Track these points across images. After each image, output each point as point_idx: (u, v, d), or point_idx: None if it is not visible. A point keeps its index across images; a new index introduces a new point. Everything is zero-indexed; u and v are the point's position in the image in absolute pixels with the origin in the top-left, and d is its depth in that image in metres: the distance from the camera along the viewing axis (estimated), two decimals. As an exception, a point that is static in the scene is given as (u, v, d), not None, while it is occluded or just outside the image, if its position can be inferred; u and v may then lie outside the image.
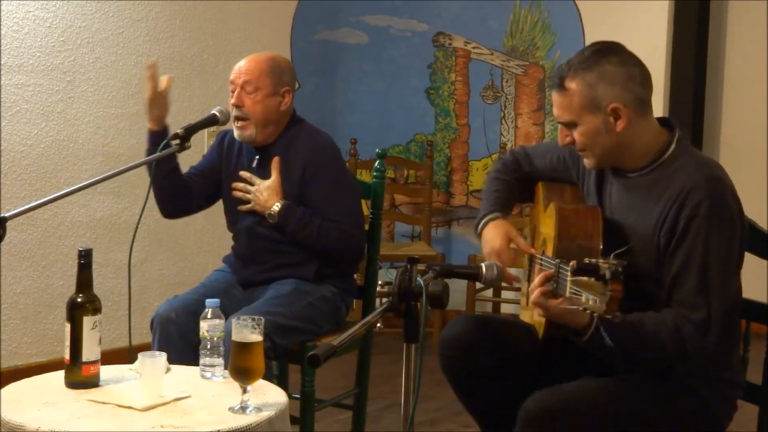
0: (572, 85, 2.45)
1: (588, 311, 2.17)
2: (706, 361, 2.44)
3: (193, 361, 2.83)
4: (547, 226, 2.62)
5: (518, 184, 2.87)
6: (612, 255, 2.17)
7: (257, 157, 3.38)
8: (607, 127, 2.45)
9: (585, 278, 2.16)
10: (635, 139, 2.47)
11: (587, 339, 2.36)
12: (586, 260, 2.17)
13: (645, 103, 2.47)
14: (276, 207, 3.26)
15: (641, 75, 2.46)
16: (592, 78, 2.43)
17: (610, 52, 2.46)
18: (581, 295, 2.17)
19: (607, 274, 2.12)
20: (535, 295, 2.36)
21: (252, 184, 3.32)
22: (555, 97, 2.50)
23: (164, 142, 3.16)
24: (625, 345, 2.38)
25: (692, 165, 2.45)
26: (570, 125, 2.49)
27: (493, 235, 2.74)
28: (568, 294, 2.23)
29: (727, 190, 2.43)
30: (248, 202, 3.33)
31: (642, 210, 2.48)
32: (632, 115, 2.44)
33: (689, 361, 2.41)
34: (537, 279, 2.38)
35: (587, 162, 2.56)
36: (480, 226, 2.80)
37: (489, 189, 2.88)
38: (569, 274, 2.21)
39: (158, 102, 3.34)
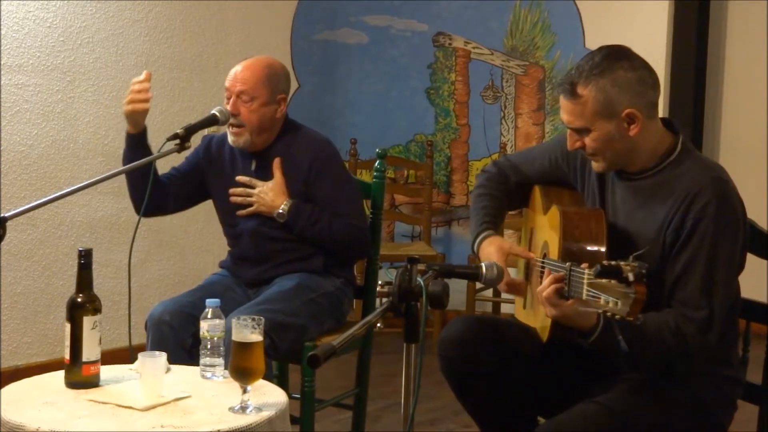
0: (585, 91, 2.43)
1: (609, 314, 2.16)
2: (707, 360, 2.44)
3: (186, 363, 2.83)
4: (549, 229, 2.61)
5: (506, 196, 2.87)
6: (631, 257, 2.16)
7: (254, 161, 3.38)
8: (621, 133, 2.44)
9: (604, 280, 2.15)
10: (645, 142, 2.48)
11: (593, 341, 2.36)
12: (606, 262, 2.16)
13: (655, 107, 2.48)
14: (284, 206, 3.27)
15: (651, 78, 2.46)
16: (605, 84, 2.42)
17: (620, 56, 2.46)
18: (600, 298, 2.16)
19: (631, 276, 2.10)
20: (549, 291, 2.35)
21: (252, 188, 3.32)
22: (565, 103, 2.48)
23: (164, 142, 3.14)
24: (629, 346, 2.37)
25: (698, 168, 2.46)
26: (582, 131, 2.48)
27: (488, 252, 2.73)
28: (585, 297, 2.21)
29: (732, 192, 2.44)
30: (248, 206, 3.34)
31: (647, 212, 2.48)
32: (644, 120, 2.44)
33: (691, 360, 2.41)
34: (547, 280, 2.37)
35: (596, 166, 2.56)
36: (476, 247, 2.80)
37: (476, 206, 2.87)
38: (586, 276, 2.20)
39: (143, 108, 3.26)
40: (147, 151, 3.29)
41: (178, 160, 3.64)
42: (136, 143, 3.30)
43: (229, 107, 3.29)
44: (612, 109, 2.43)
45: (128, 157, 3.30)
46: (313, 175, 3.32)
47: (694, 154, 2.52)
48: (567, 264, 2.33)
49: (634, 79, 2.43)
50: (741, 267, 2.48)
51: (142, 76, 3.21)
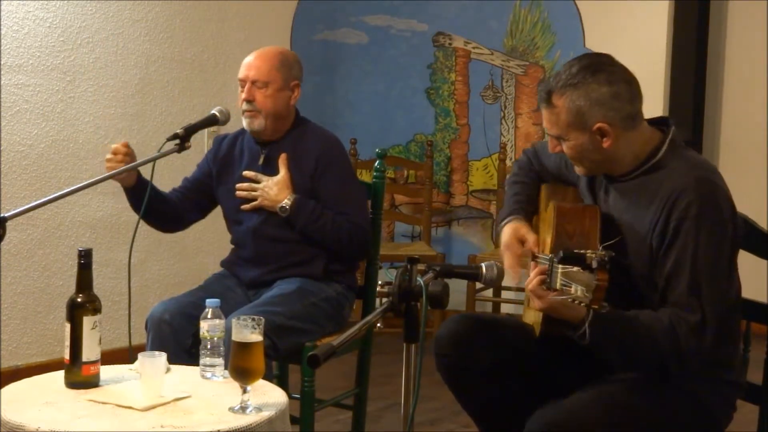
0: (559, 102, 2.45)
1: (576, 302, 2.19)
2: (699, 362, 2.43)
3: (186, 363, 2.83)
4: (547, 225, 2.63)
5: (534, 183, 2.88)
6: (601, 246, 2.19)
7: (263, 156, 3.38)
8: (594, 144, 2.46)
9: (574, 269, 2.19)
10: (623, 151, 2.49)
11: (582, 333, 2.36)
12: (574, 251, 2.19)
13: (633, 118, 2.47)
14: (287, 201, 3.28)
15: (629, 91, 2.45)
16: (578, 97, 2.43)
17: (597, 69, 2.45)
18: (570, 286, 2.20)
19: (594, 264, 2.15)
20: (533, 283, 2.36)
21: (257, 183, 3.33)
22: (543, 111, 2.51)
23: (164, 142, 3.15)
24: (619, 340, 2.38)
25: (683, 167, 2.45)
26: (559, 138, 2.51)
27: (504, 233, 2.75)
28: (558, 286, 2.24)
29: (718, 191, 2.42)
30: (253, 200, 3.34)
31: (635, 213, 2.49)
32: (619, 132, 2.45)
33: (683, 361, 2.40)
34: (533, 272, 2.40)
35: (578, 170, 2.59)
36: (499, 231, 2.81)
37: (508, 194, 2.88)
38: (560, 266, 2.22)
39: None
40: (145, 194, 3.28)
41: (181, 162, 3.65)
42: (132, 195, 3.33)
43: (243, 95, 3.32)
44: (583, 122, 2.44)
45: (132, 204, 3.33)
46: (319, 171, 3.33)
47: (682, 152, 2.50)
48: (550, 255, 2.35)
49: (608, 94, 2.42)
50: (731, 267, 2.47)
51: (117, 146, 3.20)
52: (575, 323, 2.37)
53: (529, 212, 2.82)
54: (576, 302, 2.21)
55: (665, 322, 2.36)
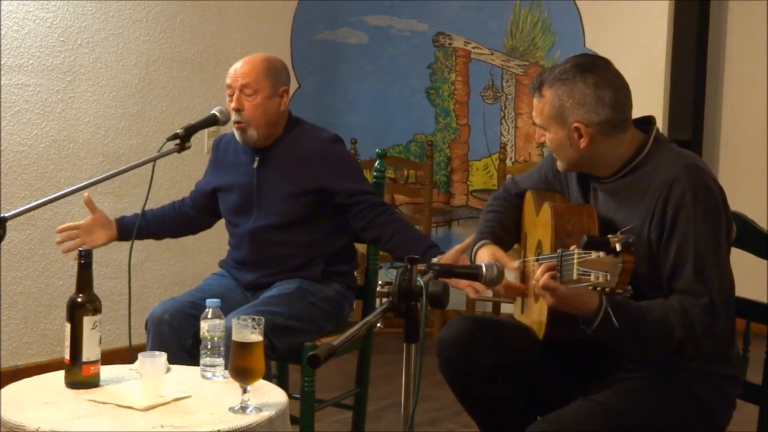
0: (547, 93, 2.50)
1: (599, 288, 2.19)
2: (711, 346, 2.42)
3: (186, 363, 2.84)
4: (542, 228, 2.62)
5: (510, 211, 2.89)
6: (619, 232, 2.20)
7: (258, 158, 3.37)
8: (571, 142, 2.50)
9: (593, 256, 2.18)
10: (602, 154, 2.51)
11: (597, 324, 2.34)
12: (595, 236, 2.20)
13: (614, 126, 2.48)
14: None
15: (613, 99, 2.46)
16: (563, 93, 2.47)
17: (588, 69, 2.48)
18: (590, 274, 2.18)
19: (618, 246, 2.15)
20: (543, 279, 2.33)
21: None
22: (533, 99, 2.57)
23: (164, 142, 3.14)
24: (634, 328, 2.37)
25: (670, 158, 2.47)
26: (542, 128, 2.55)
27: (479, 258, 2.75)
28: (575, 276, 2.22)
29: (708, 177, 2.45)
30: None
31: (628, 210, 2.49)
32: (597, 136, 2.47)
33: (698, 344, 2.39)
34: (539, 270, 2.36)
35: (559, 164, 2.61)
36: (472, 256, 2.80)
37: (480, 222, 2.90)
38: (576, 254, 2.20)
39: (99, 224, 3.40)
40: (134, 230, 3.35)
41: (181, 162, 3.64)
42: (123, 237, 3.41)
43: (232, 104, 3.29)
44: (563, 118, 2.48)
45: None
46: (332, 165, 3.32)
47: (665, 146, 2.52)
48: (558, 251, 2.34)
49: (591, 96, 2.45)
50: (728, 248, 2.48)
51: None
52: (588, 316, 2.36)
53: (499, 237, 2.82)
54: (599, 288, 2.20)
55: (677, 307, 2.37)
